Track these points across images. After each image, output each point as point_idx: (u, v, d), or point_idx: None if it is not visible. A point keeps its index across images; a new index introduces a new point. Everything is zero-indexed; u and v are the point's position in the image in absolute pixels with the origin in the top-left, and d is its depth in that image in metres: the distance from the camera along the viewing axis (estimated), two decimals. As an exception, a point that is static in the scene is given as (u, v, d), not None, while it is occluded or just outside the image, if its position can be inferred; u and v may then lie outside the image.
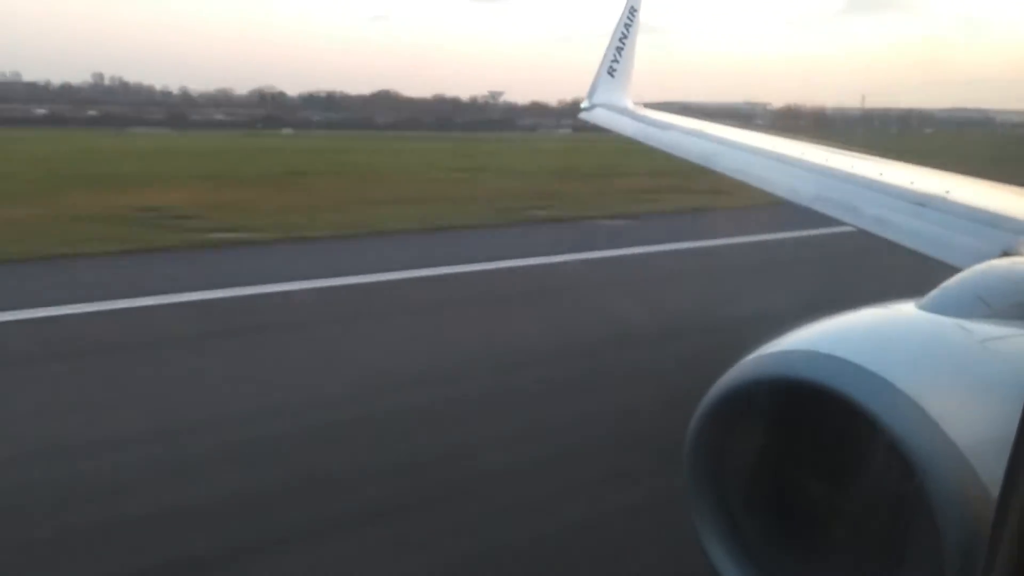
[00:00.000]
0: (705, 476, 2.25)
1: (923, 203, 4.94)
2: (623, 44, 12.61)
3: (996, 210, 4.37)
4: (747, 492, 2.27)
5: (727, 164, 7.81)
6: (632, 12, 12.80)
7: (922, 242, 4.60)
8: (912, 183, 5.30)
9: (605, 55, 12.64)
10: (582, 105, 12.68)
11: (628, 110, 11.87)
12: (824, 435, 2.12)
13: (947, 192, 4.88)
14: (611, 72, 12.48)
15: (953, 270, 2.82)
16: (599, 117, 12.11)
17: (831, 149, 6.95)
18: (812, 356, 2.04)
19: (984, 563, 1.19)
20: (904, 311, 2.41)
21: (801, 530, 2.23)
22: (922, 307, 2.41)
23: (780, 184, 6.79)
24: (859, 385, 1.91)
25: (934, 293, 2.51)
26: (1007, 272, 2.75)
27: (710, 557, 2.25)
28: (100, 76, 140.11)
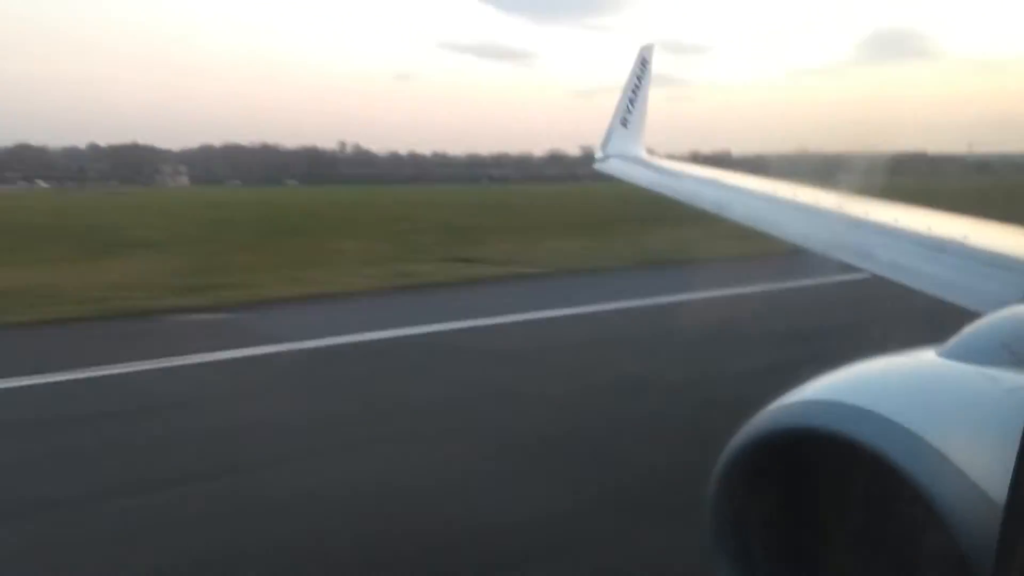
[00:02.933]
0: (727, 528, 2.21)
1: (941, 248, 4.92)
2: (635, 95, 12.74)
3: (1016, 254, 4.34)
4: (770, 545, 2.22)
5: (741, 212, 7.82)
6: (644, 63, 12.96)
7: (941, 287, 4.56)
8: (929, 228, 5.27)
9: (618, 106, 12.77)
10: (596, 156, 12.78)
11: (642, 159, 11.95)
12: (849, 487, 2.09)
13: (965, 237, 4.85)
14: (624, 123, 12.59)
15: (973, 315, 2.79)
16: (613, 167, 12.19)
17: (844, 195, 6.95)
18: (835, 406, 2.01)
19: None
20: (926, 359, 2.37)
21: None
22: (944, 355, 2.38)
23: (794, 231, 6.78)
24: (885, 437, 1.88)
25: (956, 340, 2.47)
26: None
27: None
28: (344, 144, 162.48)
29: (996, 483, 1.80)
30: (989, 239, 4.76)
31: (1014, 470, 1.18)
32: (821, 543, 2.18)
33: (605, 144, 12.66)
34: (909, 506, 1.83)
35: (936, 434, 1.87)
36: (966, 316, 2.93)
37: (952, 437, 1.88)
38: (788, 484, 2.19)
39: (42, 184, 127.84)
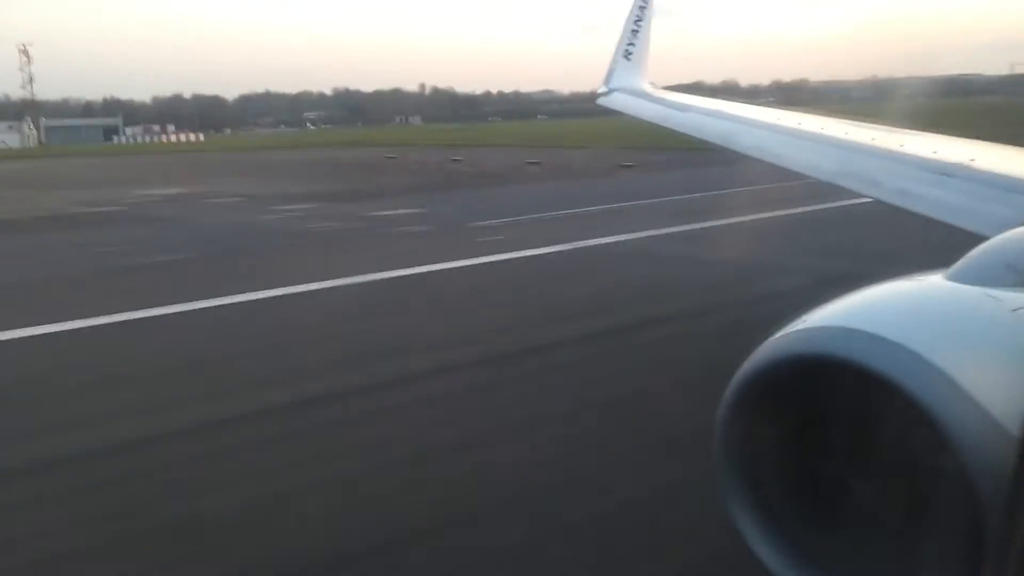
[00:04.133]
0: (737, 455, 2.25)
1: (947, 172, 4.89)
2: (639, 27, 12.51)
3: (1023, 177, 4.32)
4: (779, 469, 2.27)
5: (747, 143, 7.76)
6: None
7: (947, 212, 4.56)
8: (935, 153, 5.24)
9: (621, 39, 12.54)
10: (599, 91, 12.61)
11: (646, 93, 11.79)
12: (857, 410, 2.12)
13: (971, 160, 4.82)
14: (627, 56, 12.39)
15: (979, 239, 2.80)
16: (617, 102, 12.03)
17: (850, 123, 6.89)
18: (842, 332, 2.04)
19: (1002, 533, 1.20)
20: (932, 282, 2.40)
21: (835, 505, 2.23)
22: (950, 277, 2.40)
23: (800, 160, 6.75)
24: (892, 360, 1.90)
25: (961, 262, 2.49)
26: None
27: (744, 536, 2.26)
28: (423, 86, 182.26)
29: (1001, 403, 1.84)
30: (995, 163, 4.74)
31: None
32: (829, 466, 2.23)
33: (608, 78, 12.48)
34: (917, 428, 1.87)
35: (942, 356, 1.90)
36: (973, 240, 2.94)
37: (958, 358, 1.91)
38: (798, 408, 2.23)
39: (284, 128, 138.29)
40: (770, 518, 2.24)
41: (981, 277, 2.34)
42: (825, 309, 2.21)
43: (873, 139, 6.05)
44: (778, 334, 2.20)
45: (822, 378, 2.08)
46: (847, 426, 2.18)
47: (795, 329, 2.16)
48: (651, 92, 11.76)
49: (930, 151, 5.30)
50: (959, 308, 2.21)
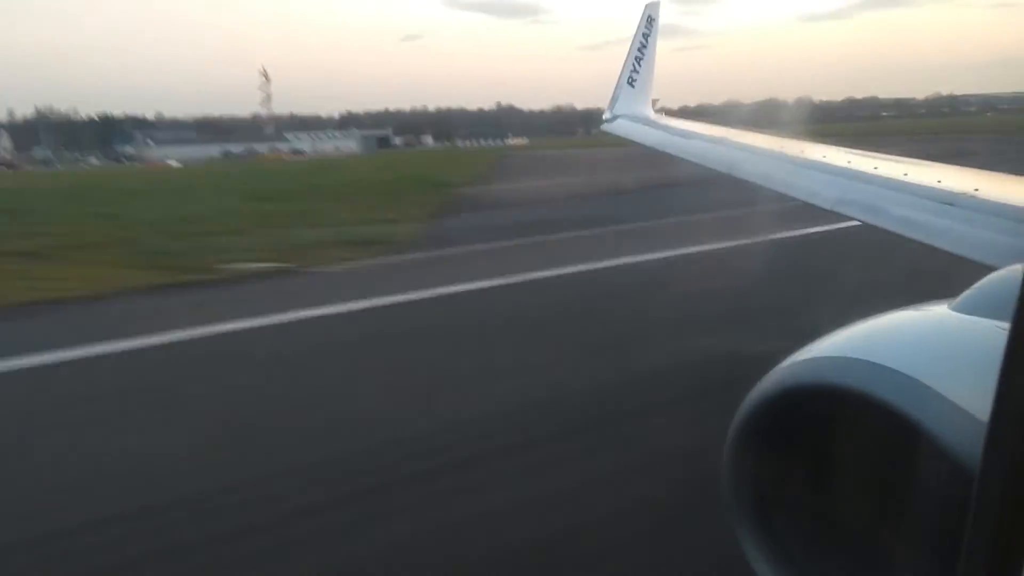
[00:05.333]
0: (745, 488, 2.24)
1: (951, 202, 4.88)
2: (642, 54, 12.60)
3: None
4: (788, 503, 2.25)
5: (750, 170, 7.77)
6: (650, 21, 12.79)
7: (951, 241, 4.54)
8: (939, 182, 5.23)
9: (624, 65, 12.64)
10: (604, 117, 12.68)
11: (650, 120, 11.84)
12: (865, 443, 2.11)
13: (976, 190, 4.81)
14: (631, 82, 12.47)
15: (985, 269, 2.78)
16: (621, 128, 12.09)
17: (853, 151, 6.90)
18: (849, 362, 2.03)
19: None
20: (939, 313, 2.38)
21: (845, 539, 2.21)
22: (956, 308, 2.38)
23: (802, 188, 6.75)
24: (900, 391, 1.88)
25: (968, 294, 2.47)
26: None
27: (755, 570, 2.24)
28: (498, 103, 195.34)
29: None
30: (1000, 191, 4.72)
31: (993, 403, 1.21)
32: (837, 498, 2.21)
33: (612, 104, 12.55)
34: (928, 460, 1.84)
35: (952, 387, 1.87)
36: (978, 270, 2.93)
37: (968, 390, 1.89)
38: (803, 440, 2.21)
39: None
40: (780, 548, 2.22)
41: (989, 309, 2.31)
42: (830, 339, 2.20)
43: (876, 168, 6.05)
44: (784, 363, 2.19)
45: (829, 408, 2.06)
46: (854, 456, 2.16)
47: (801, 359, 2.15)
48: (654, 119, 11.81)
49: (934, 180, 5.29)
50: (968, 339, 2.19)
